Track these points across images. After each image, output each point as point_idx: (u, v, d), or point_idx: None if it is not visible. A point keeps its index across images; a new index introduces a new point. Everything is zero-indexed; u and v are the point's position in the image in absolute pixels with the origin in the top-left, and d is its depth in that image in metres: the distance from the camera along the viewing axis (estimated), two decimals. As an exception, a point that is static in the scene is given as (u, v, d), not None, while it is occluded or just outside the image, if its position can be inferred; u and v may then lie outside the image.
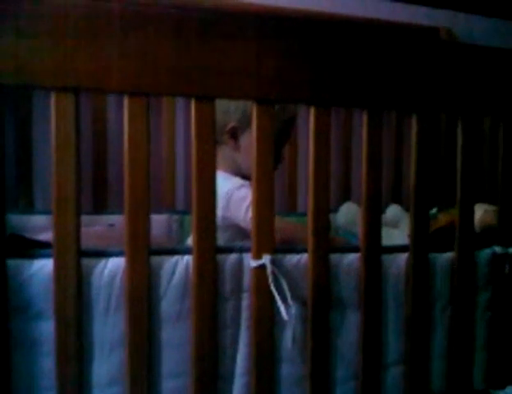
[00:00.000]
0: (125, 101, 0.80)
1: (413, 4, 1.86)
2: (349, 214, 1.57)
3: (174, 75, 0.80)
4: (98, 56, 0.76)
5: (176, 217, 1.50)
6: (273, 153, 0.88)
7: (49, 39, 0.74)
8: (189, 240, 1.29)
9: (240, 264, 0.89)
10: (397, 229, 1.49)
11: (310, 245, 0.91)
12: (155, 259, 0.85)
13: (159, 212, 1.48)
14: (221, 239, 1.18)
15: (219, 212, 1.14)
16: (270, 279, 0.87)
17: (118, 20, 0.77)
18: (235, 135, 1.25)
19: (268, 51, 0.84)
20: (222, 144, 1.26)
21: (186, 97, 0.86)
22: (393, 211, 1.56)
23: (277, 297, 0.86)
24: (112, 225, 1.36)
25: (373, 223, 0.95)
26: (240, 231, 1.18)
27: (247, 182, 1.19)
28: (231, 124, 1.24)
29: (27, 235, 0.94)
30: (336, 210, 1.60)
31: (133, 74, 0.78)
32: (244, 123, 1.21)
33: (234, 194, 1.18)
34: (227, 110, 1.23)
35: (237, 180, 1.23)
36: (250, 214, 0.89)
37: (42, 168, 1.44)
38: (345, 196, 1.76)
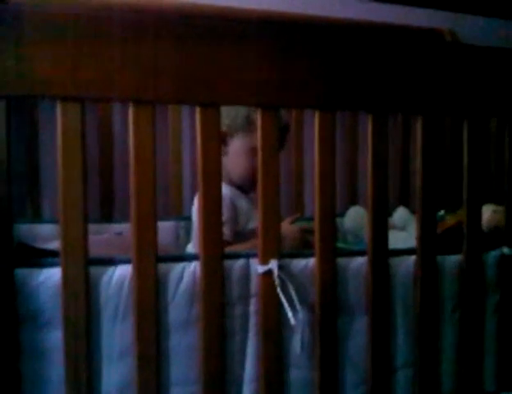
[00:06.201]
0: (130, 109, 0.80)
1: (415, 6, 1.86)
2: (356, 218, 1.56)
3: (178, 83, 0.81)
4: (102, 65, 0.77)
5: (182, 223, 1.50)
6: (278, 160, 0.88)
7: (53, 50, 0.74)
8: (190, 247, 1.29)
9: (246, 270, 0.89)
10: (405, 232, 1.48)
11: (317, 249, 0.91)
12: (162, 266, 0.85)
13: (166, 219, 1.48)
14: None
15: None
16: (277, 284, 0.87)
17: (121, 28, 0.77)
18: (224, 140, 1.25)
19: (272, 56, 0.84)
20: None
21: (191, 104, 0.86)
22: (400, 214, 1.55)
23: (285, 302, 0.86)
24: (119, 233, 1.36)
25: (380, 226, 0.95)
26: None
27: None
28: (222, 129, 1.23)
29: (35, 244, 0.94)
30: (343, 214, 1.60)
31: (137, 82, 0.79)
32: (234, 129, 1.22)
33: None
34: None
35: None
36: None
37: (49, 177, 1.45)
38: (352, 200, 1.75)
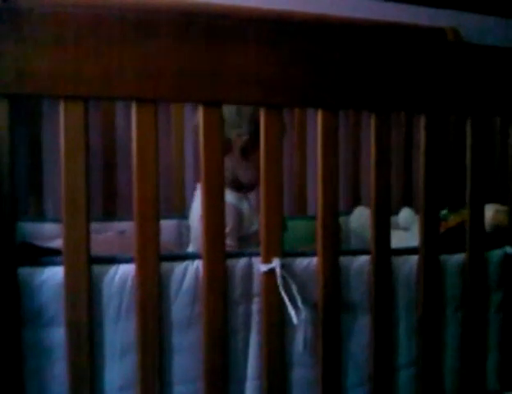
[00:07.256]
0: (133, 108, 0.80)
1: (418, 5, 1.85)
2: (361, 219, 1.57)
3: (181, 81, 0.80)
4: (103, 64, 0.77)
5: (185, 222, 1.50)
6: (282, 159, 0.88)
7: (54, 49, 0.75)
8: (190, 248, 1.29)
9: (249, 269, 0.89)
10: (409, 232, 1.48)
11: (320, 248, 0.91)
12: (165, 265, 0.85)
13: (169, 217, 1.48)
14: None
15: None
16: (280, 283, 0.87)
17: (123, 27, 0.77)
18: (246, 149, 1.20)
19: (274, 55, 0.84)
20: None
21: (194, 103, 0.86)
22: (405, 214, 1.55)
23: (287, 301, 0.86)
24: (122, 232, 1.36)
25: (383, 226, 0.95)
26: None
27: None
28: (245, 137, 1.19)
29: (38, 242, 0.94)
30: (347, 213, 1.60)
31: (139, 81, 0.78)
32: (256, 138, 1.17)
33: None
34: (239, 122, 1.19)
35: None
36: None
37: (52, 176, 1.45)
38: (355, 199, 1.75)
